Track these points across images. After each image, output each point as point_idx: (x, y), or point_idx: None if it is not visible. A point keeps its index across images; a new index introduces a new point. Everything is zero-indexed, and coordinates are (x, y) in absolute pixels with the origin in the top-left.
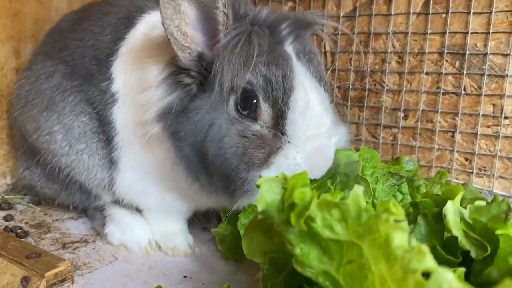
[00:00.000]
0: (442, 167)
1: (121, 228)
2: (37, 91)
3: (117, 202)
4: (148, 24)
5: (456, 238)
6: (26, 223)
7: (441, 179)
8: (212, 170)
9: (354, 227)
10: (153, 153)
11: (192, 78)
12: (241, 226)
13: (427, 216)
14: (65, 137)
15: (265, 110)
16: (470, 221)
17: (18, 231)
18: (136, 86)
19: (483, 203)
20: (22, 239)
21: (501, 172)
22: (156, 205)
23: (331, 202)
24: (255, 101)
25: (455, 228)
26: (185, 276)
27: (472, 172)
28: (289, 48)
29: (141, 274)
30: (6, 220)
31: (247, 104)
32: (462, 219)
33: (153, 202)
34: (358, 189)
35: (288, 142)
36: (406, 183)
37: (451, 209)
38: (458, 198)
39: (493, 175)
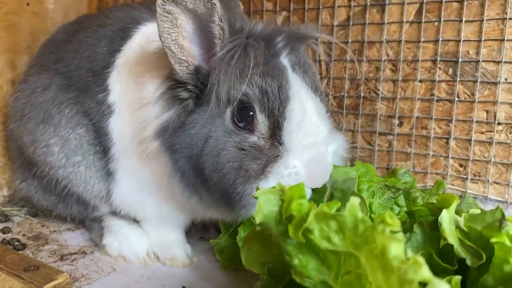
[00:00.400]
0: (437, 173)
1: (119, 239)
2: (33, 103)
3: (114, 213)
4: (144, 36)
5: (452, 246)
6: (23, 235)
7: (438, 190)
8: (209, 185)
9: (351, 238)
10: (150, 165)
11: (189, 92)
12: (240, 239)
13: (423, 224)
14: (62, 149)
15: (261, 121)
16: (465, 229)
17: (16, 243)
18: (133, 100)
19: (477, 211)
20: (20, 251)
21: (496, 178)
22: (153, 216)
23: (328, 214)
24: (251, 112)
25: (451, 236)
26: (183, 287)
27: (466, 178)
28: (284, 60)
29: (139, 285)
30: (4, 233)
31: (243, 115)
32: (458, 227)
33: (151, 213)
34: (355, 201)
35: (286, 151)
36: (402, 195)
37: (446, 217)
38: (453, 206)
39: (488, 180)
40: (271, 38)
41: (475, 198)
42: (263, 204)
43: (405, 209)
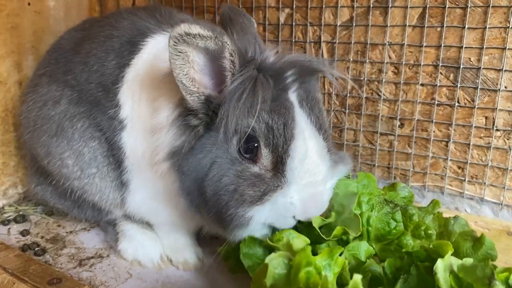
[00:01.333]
0: (436, 174)
1: (134, 245)
2: (45, 116)
3: (128, 216)
4: (152, 50)
5: None
6: (42, 237)
7: (434, 209)
8: (209, 206)
9: None
10: (162, 179)
11: (199, 119)
12: (243, 256)
13: (419, 268)
14: (76, 162)
15: (265, 155)
16: (459, 274)
17: (36, 248)
18: (146, 119)
19: (470, 260)
20: (41, 257)
21: (492, 181)
22: (165, 222)
23: None
24: (256, 145)
25: (445, 285)
26: None
27: (464, 180)
28: (292, 95)
29: None
30: (23, 235)
31: (248, 147)
32: (452, 272)
33: (163, 219)
34: (357, 277)
35: (287, 184)
36: (400, 211)
37: (441, 267)
38: (448, 255)
39: (484, 183)
40: (281, 71)
41: (471, 199)
42: (273, 268)
43: (401, 224)
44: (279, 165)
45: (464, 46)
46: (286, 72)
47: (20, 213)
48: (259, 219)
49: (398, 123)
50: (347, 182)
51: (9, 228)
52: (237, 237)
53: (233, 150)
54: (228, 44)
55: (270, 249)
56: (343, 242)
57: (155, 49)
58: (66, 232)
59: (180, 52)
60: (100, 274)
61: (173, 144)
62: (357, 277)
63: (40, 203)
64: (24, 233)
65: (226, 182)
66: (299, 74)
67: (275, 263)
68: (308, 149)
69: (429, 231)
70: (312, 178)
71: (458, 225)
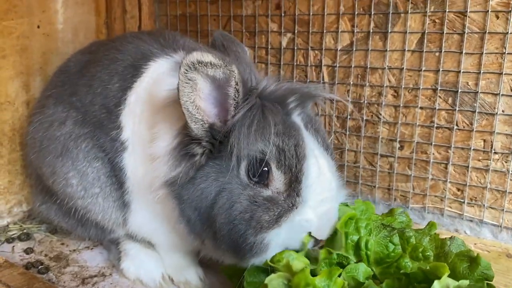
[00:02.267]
0: (435, 196)
1: (136, 264)
2: (51, 137)
3: (130, 236)
4: (154, 75)
5: None
6: (45, 255)
7: (431, 230)
8: (218, 236)
9: None
10: (161, 204)
11: (202, 147)
12: (248, 284)
13: None
14: (80, 182)
15: (277, 177)
16: None
17: (40, 266)
18: (146, 144)
19: (466, 282)
20: (44, 275)
21: (491, 203)
22: (166, 242)
23: None
24: (267, 168)
25: None
26: None
27: (464, 202)
28: (297, 119)
29: None
30: (27, 253)
31: (258, 171)
32: None
33: (164, 240)
34: None
35: (303, 202)
36: (397, 234)
37: None
38: (444, 277)
39: (484, 205)
40: (284, 98)
41: (471, 221)
42: None
43: (399, 247)
44: (293, 185)
45: (462, 70)
46: (288, 99)
47: (25, 231)
48: (277, 242)
49: (398, 145)
50: (345, 209)
51: (14, 246)
52: (254, 264)
53: (242, 176)
54: (235, 73)
55: (271, 270)
56: (342, 266)
57: (156, 73)
58: (70, 251)
59: (189, 80)
60: None
61: (169, 175)
62: None
63: (44, 222)
64: (28, 251)
65: (239, 210)
66: (300, 100)
67: (275, 284)
68: (321, 167)
69: (426, 253)
70: (327, 193)
71: (455, 246)
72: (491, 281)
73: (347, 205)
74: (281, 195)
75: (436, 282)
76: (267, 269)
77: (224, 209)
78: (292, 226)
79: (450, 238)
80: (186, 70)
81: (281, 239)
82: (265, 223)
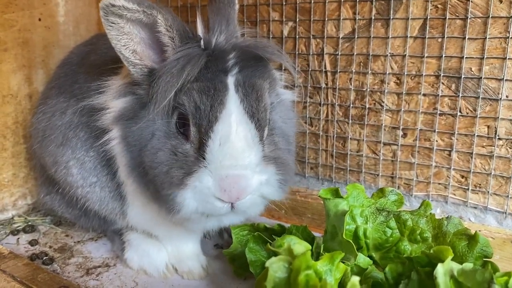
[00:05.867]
0: (439, 183)
1: (139, 254)
2: (52, 127)
3: (132, 227)
4: None
5: None
6: (50, 247)
7: (426, 211)
8: (145, 181)
9: None
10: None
11: (143, 90)
12: (249, 250)
13: (420, 273)
14: (79, 171)
15: (193, 134)
16: (459, 279)
17: (44, 258)
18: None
19: (470, 265)
20: (49, 266)
21: (495, 190)
22: (166, 232)
23: None
24: (188, 122)
25: None
26: None
27: (468, 189)
28: (230, 79)
29: None
30: (32, 245)
31: (182, 123)
32: (452, 276)
33: (163, 229)
34: (355, 279)
35: (205, 166)
36: (393, 218)
37: (441, 271)
38: (448, 260)
39: (488, 192)
40: (224, 53)
41: (475, 208)
42: (273, 272)
43: (396, 231)
44: (202, 146)
45: (465, 56)
46: (228, 55)
47: (29, 223)
48: (188, 204)
49: (401, 133)
50: (336, 202)
51: (18, 238)
52: (176, 221)
53: (172, 124)
54: (159, 19)
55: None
56: None
57: None
58: (74, 242)
59: (112, 23)
60: (106, 283)
61: (116, 104)
62: (355, 279)
63: (49, 214)
64: (33, 242)
65: (161, 158)
66: (241, 58)
67: (276, 267)
68: (231, 133)
69: (424, 235)
70: (233, 161)
71: (452, 225)
72: (491, 258)
73: (341, 197)
74: (194, 154)
75: (439, 265)
76: (267, 241)
77: (151, 153)
78: (196, 190)
79: (447, 217)
80: (105, 13)
81: (192, 204)
82: (176, 180)
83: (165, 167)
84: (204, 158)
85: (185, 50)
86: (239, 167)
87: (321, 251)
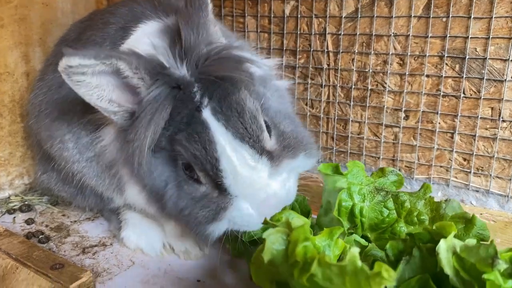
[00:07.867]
0: (441, 166)
1: (136, 233)
2: (49, 101)
3: (130, 206)
4: (139, 36)
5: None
6: (46, 225)
7: (425, 194)
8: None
9: (351, 281)
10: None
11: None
12: (248, 238)
13: (422, 249)
14: (76, 145)
15: (203, 178)
16: (462, 255)
17: (40, 236)
18: None
19: (473, 241)
20: (44, 244)
21: (498, 173)
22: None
23: (330, 263)
24: (193, 167)
25: (447, 266)
26: (198, 280)
27: (470, 172)
28: (206, 113)
29: (158, 279)
30: (28, 224)
31: (188, 168)
32: (455, 253)
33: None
34: (355, 251)
35: (235, 196)
36: (391, 199)
37: (443, 247)
38: (451, 236)
39: (490, 175)
40: (189, 87)
41: (477, 191)
42: (270, 243)
43: (394, 212)
44: (219, 185)
45: (470, 36)
46: (193, 88)
47: (26, 203)
48: (220, 232)
49: (403, 115)
50: (335, 178)
51: (15, 217)
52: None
53: (181, 172)
54: (121, 65)
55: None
56: None
57: (143, 34)
58: (71, 222)
59: (78, 82)
60: (103, 262)
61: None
62: (355, 250)
63: (46, 194)
64: (29, 221)
65: (181, 206)
66: (206, 86)
67: (273, 239)
68: (236, 165)
69: (421, 217)
70: (250, 189)
71: (450, 208)
72: (487, 241)
73: (341, 173)
74: (214, 192)
75: (442, 241)
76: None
77: (171, 202)
78: (235, 221)
79: (446, 200)
80: (68, 76)
81: (225, 229)
82: (203, 219)
83: (186, 211)
84: (228, 193)
85: (155, 91)
86: (259, 189)
87: (314, 225)
